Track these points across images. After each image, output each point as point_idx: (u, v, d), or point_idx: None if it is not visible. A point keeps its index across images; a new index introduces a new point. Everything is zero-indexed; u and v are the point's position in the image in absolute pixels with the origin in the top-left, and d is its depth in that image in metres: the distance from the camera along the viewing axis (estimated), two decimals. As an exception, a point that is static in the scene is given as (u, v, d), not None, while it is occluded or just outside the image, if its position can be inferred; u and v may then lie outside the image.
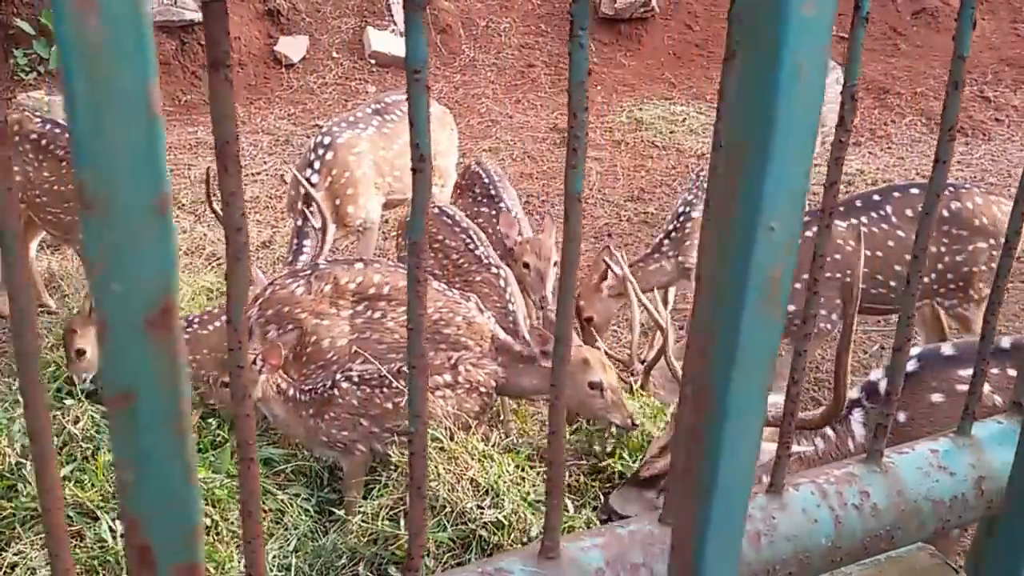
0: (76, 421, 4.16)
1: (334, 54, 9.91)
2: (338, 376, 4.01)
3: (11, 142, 5.66)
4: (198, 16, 9.23)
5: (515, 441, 4.17)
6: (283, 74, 9.61)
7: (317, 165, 5.51)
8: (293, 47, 9.76)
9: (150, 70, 0.37)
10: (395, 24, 10.17)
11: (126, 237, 0.38)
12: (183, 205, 7.15)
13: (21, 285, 1.03)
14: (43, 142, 5.40)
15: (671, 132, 8.96)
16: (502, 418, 4.58)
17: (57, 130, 5.41)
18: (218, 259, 6.29)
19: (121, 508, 0.43)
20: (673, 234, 5.41)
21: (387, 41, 9.99)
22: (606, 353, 4.50)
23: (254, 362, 3.81)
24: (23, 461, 3.88)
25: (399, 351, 4.24)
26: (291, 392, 3.97)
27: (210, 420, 4.34)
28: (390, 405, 3.97)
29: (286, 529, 3.90)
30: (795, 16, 0.47)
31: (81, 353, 4.33)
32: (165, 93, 9.26)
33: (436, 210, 5.26)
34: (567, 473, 3.93)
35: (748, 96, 0.49)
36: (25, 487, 3.77)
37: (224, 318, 4.66)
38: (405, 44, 1.13)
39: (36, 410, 1.06)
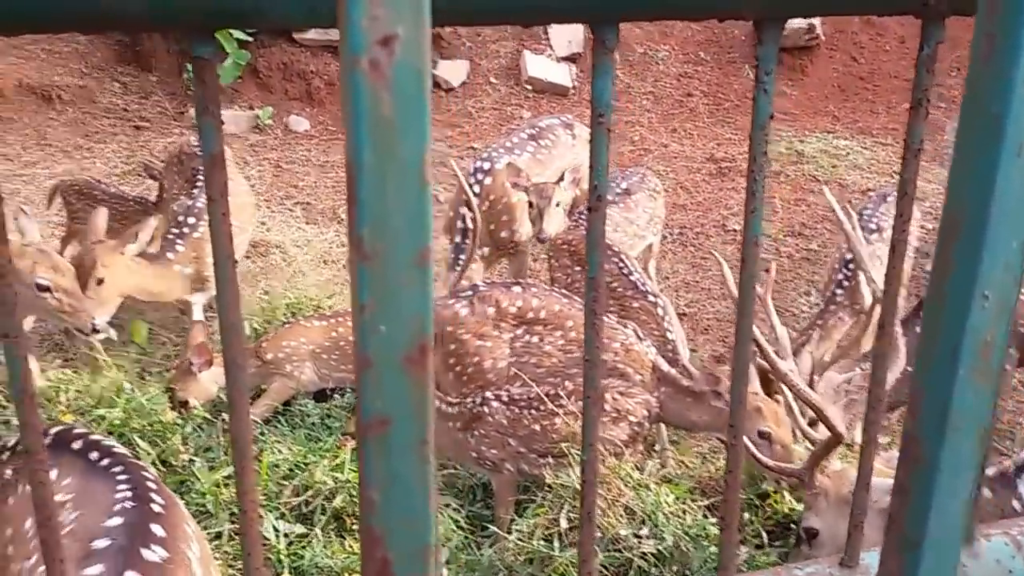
0: (240, 422, 4.39)
1: (492, 79, 10.11)
2: (488, 394, 4.09)
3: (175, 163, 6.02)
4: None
5: (673, 472, 4.14)
6: (442, 97, 9.84)
7: (476, 189, 5.64)
8: (453, 71, 10.01)
9: (426, 143, 0.42)
10: (551, 48, 10.30)
11: (394, 285, 0.44)
12: (342, 220, 7.41)
13: (232, 302, 1.12)
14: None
15: (833, 166, 8.71)
16: (658, 448, 4.56)
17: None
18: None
19: (364, 524, 0.48)
20: (844, 283, 5.20)
21: (543, 66, 10.12)
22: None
23: None
24: (195, 459, 4.12)
25: (556, 375, 4.29)
26: (435, 402, 4.06)
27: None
28: (538, 427, 4.01)
29: (438, 539, 3.99)
30: (1020, 92, 0.48)
31: (185, 404, 4.57)
32: (327, 112, 9.62)
33: (586, 234, 5.31)
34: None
35: (969, 168, 0.51)
36: (195, 483, 4.01)
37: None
38: (592, 87, 1.18)
39: (240, 416, 1.15)
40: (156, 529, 2.39)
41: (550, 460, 3.98)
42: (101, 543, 2.32)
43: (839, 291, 5.23)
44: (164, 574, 2.29)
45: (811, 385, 4.35)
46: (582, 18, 1.12)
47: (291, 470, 4.08)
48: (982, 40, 0.49)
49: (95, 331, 4.50)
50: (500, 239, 5.78)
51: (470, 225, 5.33)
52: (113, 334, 4.76)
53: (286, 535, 3.82)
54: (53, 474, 2.50)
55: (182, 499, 3.93)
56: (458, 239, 5.56)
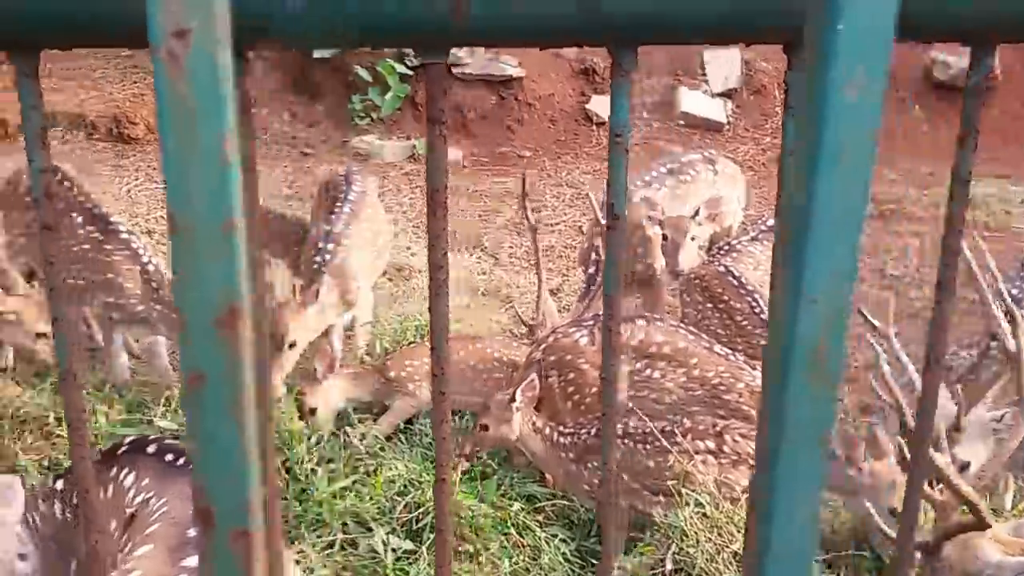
0: (362, 438, 4.58)
1: (644, 114, 10.12)
2: None
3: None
4: (518, 71, 9.77)
5: None
6: (592, 131, 9.89)
7: (610, 220, 5.66)
8: (605, 106, 10.08)
9: (226, 128, 0.48)
10: (707, 84, 10.22)
11: (200, 254, 0.49)
12: (484, 247, 7.57)
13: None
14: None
15: (1006, 213, 8.23)
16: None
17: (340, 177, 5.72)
18: (510, 302, 6.58)
19: (192, 474, 0.53)
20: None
21: (698, 102, 10.06)
22: None
23: (512, 399, 3.98)
24: (317, 469, 4.29)
25: (676, 412, 4.22)
26: (547, 431, 4.08)
27: (481, 453, 4.58)
28: (651, 463, 3.96)
29: (542, 569, 4.00)
30: (835, 100, 0.49)
31: (313, 411, 4.74)
32: (480, 144, 9.86)
33: (722, 269, 5.24)
34: (845, 565, 3.75)
35: (794, 174, 0.51)
36: (314, 492, 4.17)
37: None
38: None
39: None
40: None
41: (661, 499, 3.92)
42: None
43: (993, 343, 4.92)
44: None
45: (958, 426, 4.10)
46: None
47: (405, 487, 4.19)
48: (806, 45, 0.50)
49: None
50: (635, 272, 5.78)
51: (603, 256, 5.34)
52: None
53: (394, 550, 3.92)
54: (131, 477, 2.69)
55: (300, 506, 4.12)
56: (591, 270, 5.59)
